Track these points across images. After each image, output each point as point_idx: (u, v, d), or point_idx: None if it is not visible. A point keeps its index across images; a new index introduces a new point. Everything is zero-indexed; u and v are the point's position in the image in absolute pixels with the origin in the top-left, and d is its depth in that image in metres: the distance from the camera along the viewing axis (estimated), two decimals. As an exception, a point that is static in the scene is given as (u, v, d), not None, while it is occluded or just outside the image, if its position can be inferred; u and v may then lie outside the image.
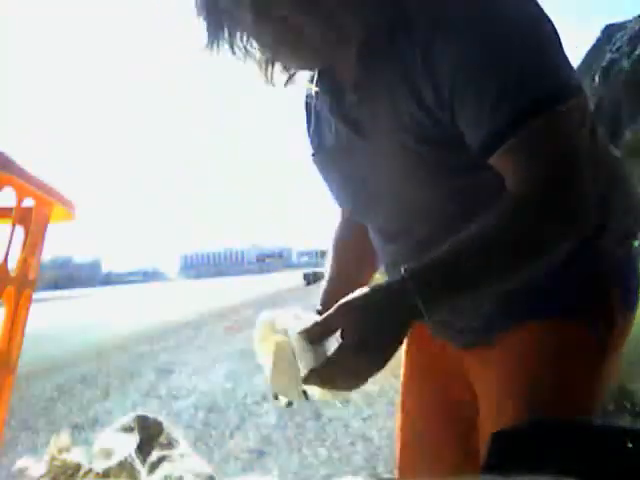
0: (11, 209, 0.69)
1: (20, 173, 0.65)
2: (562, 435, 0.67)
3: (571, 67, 0.82)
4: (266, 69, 0.89)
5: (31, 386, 6.20)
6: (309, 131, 1.06)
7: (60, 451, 0.77)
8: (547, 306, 0.94)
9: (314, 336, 0.75)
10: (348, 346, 0.74)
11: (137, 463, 0.78)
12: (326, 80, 0.95)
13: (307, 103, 1.06)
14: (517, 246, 0.79)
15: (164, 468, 0.80)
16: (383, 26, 0.82)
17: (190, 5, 0.82)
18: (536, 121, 0.75)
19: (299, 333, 0.74)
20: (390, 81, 0.84)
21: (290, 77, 0.94)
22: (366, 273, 1.17)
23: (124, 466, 0.76)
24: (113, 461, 0.76)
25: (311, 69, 0.95)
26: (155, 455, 0.82)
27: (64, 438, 0.79)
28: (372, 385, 4.82)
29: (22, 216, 0.70)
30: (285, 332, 0.77)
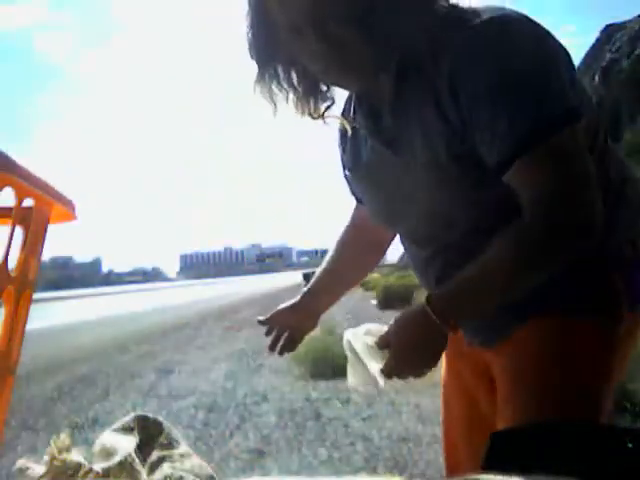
0: (11, 209, 0.68)
1: (20, 173, 0.64)
2: (561, 435, 0.67)
3: (577, 91, 0.89)
4: (308, 99, 1.04)
5: (31, 386, 6.20)
6: (343, 150, 1.18)
7: (60, 451, 0.77)
8: (550, 304, 0.95)
9: (377, 346, 0.98)
10: (393, 356, 0.95)
11: (137, 463, 0.78)
12: (364, 102, 1.06)
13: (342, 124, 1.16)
14: (527, 262, 0.88)
15: (164, 468, 0.80)
16: (417, 52, 0.92)
17: (243, 44, 1.00)
18: (544, 143, 0.83)
19: (365, 344, 1.00)
20: (421, 103, 0.93)
21: (327, 108, 1.07)
22: (359, 273, 1.40)
23: (124, 466, 0.76)
24: (113, 461, 0.76)
25: (353, 90, 1.07)
26: (155, 455, 0.82)
27: (64, 438, 0.79)
28: (372, 386, 4.82)
29: (22, 216, 0.70)
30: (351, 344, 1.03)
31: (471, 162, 0.90)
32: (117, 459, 0.77)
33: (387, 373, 0.95)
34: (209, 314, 15.48)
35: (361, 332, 1.02)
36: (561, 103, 0.85)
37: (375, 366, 0.97)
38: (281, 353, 1.28)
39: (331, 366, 5.31)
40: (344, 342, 1.04)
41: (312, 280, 1.33)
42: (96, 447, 0.82)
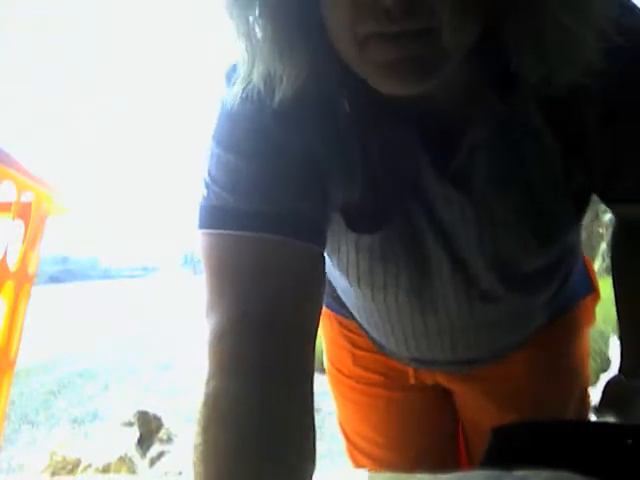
0: (11, 204, 0.68)
1: (18, 167, 0.64)
2: (561, 431, 0.67)
3: None
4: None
5: (31, 380, 6.21)
6: (334, 182, 0.65)
7: (60, 446, 0.77)
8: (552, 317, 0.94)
9: None
10: None
11: (137, 458, 0.78)
12: (419, 116, 0.61)
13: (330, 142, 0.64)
14: None
15: (163, 463, 0.80)
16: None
17: None
18: None
19: None
20: (537, 132, 0.63)
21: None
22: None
23: (124, 461, 0.76)
24: (113, 456, 0.76)
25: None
26: (155, 450, 0.82)
27: (64, 433, 0.79)
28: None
29: (21, 210, 0.70)
30: None
31: (579, 199, 0.71)
32: (117, 454, 0.77)
33: None
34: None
35: None
36: None
37: None
38: None
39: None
40: None
41: None
42: (96, 441, 0.82)
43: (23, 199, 0.70)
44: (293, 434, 0.57)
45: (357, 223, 0.69)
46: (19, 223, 0.71)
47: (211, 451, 0.52)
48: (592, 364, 2.65)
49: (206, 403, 0.54)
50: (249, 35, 0.54)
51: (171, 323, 12.35)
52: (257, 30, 0.54)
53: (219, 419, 0.53)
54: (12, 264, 0.70)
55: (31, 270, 0.75)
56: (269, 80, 0.57)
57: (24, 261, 0.73)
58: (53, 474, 0.75)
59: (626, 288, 0.78)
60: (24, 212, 0.72)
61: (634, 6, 0.61)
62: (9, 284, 0.71)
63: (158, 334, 10.51)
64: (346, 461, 1.12)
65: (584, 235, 1.05)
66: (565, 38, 0.51)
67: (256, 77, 0.56)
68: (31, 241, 0.74)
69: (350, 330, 1.03)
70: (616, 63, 0.55)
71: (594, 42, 0.51)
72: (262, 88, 0.57)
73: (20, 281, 0.73)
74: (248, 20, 0.54)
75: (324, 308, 1.06)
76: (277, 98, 0.57)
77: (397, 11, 0.47)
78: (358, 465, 1.08)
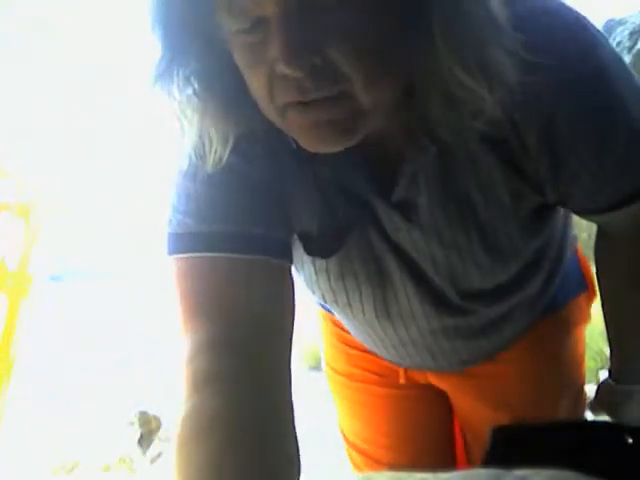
0: (11, 203, 0.68)
1: (17, 167, 0.64)
2: (561, 431, 0.68)
3: None
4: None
5: (31, 379, 6.21)
6: (300, 213, 0.68)
7: (60, 445, 0.77)
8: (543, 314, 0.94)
9: None
10: None
11: (137, 457, 0.78)
12: (361, 150, 0.60)
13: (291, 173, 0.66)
14: None
15: (163, 462, 0.80)
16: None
17: None
18: None
19: None
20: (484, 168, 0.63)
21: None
22: None
23: (124, 461, 0.76)
24: (113, 456, 0.76)
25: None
26: (155, 449, 0.82)
27: (64, 432, 0.79)
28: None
29: (21, 210, 0.70)
30: None
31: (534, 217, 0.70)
32: (118, 454, 0.77)
33: None
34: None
35: None
36: None
37: None
38: None
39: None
40: None
41: None
42: (96, 442, 0.83)
43: (23, 199, 0.70)
44: (273, 447, 0.55)
45: (313, 248, 0.71)
46: (19, 222, 0.71)
47: (191, 468, 0.52)
48: (591, 363, 2.64)
49: (184, 421, 0.55)
50: (181, 115, 0.57)
51: (171, 323, 12.32)
52: (189, 106, 0.56)
53: (198, 436, 0.53)
54: (12, 264, 0.70)
55: (31, 270, 0.75)
56: (201, 146, 0.58)
57: (24, 261, 0.73)
58: (53, 474, 0.75)
59: (607, 296, 0.78)
60: (24, 212, 0.72)
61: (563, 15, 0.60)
62: (9, 284, 0.71)
63: (158, 334, 10.51)
64: (345, 462, 1.12)
65: (584, 235, 1.05)
66: (468, 96, 0.53)
67: (189, 144, 0.58)
68: (31, 241, 0.74)
69: (344, 330, 1.04)
70: (546, 83, 0.56)
71: (494, 97, 0.53)
72: (193, 155, 0.59)
73: (20, 281, 0.73)
74: (179, 94, 0.56)
75: (320, 309, 1.08)
76: (209, 162, 0.59)
77: (308, 82, 0.48)
78: (357, 466, 1.09)
